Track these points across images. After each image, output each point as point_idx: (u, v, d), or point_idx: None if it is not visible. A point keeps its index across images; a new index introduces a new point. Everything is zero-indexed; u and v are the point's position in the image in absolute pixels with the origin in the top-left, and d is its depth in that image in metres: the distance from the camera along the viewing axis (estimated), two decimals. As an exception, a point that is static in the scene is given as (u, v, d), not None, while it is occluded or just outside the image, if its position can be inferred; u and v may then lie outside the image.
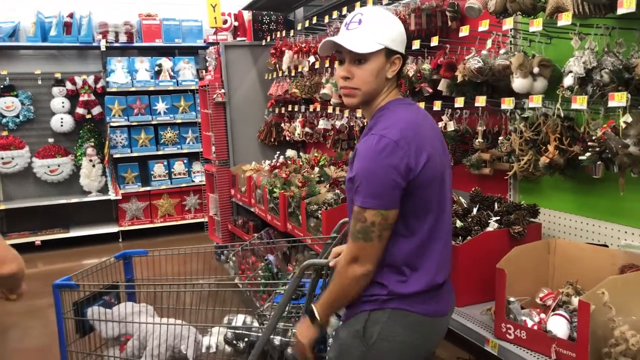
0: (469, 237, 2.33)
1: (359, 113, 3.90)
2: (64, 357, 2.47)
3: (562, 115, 2.27)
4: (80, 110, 6.98)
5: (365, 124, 4.00)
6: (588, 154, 2.06)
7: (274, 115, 5.54)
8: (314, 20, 4.31)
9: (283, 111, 5.30)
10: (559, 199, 2.57)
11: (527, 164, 2.39)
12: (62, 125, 6.97)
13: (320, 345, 2.51)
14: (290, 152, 5.41)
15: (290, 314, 2.43)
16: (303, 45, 4.52)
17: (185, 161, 7.44)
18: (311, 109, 4.62)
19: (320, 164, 4.47)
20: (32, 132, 6.97)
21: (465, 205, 2.68)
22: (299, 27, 4.70)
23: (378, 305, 1.63)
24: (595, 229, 2.38)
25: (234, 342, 2.59)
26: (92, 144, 7.08)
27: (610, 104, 1.92)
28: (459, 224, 2.43)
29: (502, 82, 2.51)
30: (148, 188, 7.24)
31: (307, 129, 4.77)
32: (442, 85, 2.86)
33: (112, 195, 6.98)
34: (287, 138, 5.26)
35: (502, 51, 2.51)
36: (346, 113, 4.17)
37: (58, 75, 6.93)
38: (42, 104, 6.98)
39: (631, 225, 2.21)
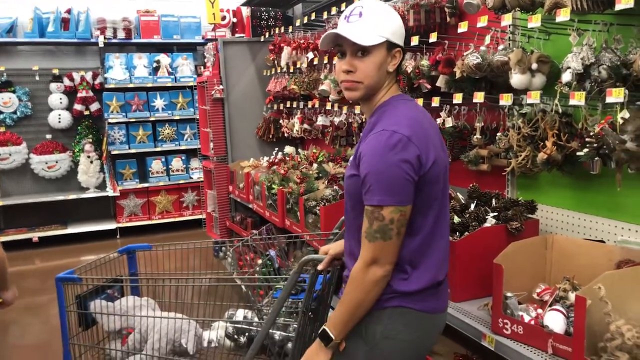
0: (466, 233, 2.34)
1: (357, 109, 3.90)
2: (66, 350, 2.47)
3: (560, 111, 2.27)
4: (78, 107, 6.98)
5: (363, 120, 4.01)
6: (586, 150, 2.07)
7: (272, 111, 5.54)
8: (313, 17, 4.32)
9: (281, 107, 5.30)
10: (556, 195, 2.58)
11: (525, 160, 2.40)
12: (59, 122, 6.97)
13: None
14: (288, 149, 5.42)
15: (290, 309, 2.44)
16: (302, 42, 4.52)
17: (183, 158, 7.44)
18: (310, 106, 4.62)
19: (318, 160, 4.47)
20: (30, 128, 6.96)
21: (463, 201, 2.69)
22: (298, 23, 4.70)
23: (379, 304, 1.61)
24: (593, 225, 2.39)
25: (235, 336, 2.60)
26: (90, 140, 7.08)
27: (608, 100, 1.93)
28: (456, 219, 2.44)
29: (501, 78, 2.51)
30: (146, 185, 7.25)
31: (305, 126, 4.77)
32: (440, 82, 2.87)
33: (110, 192, 6.98)
34: (286, 134, 5.27)
35: (500, 47, 2.52)
36: (345, 109, 4.18)
37: (56, 71, 6.93)
38: (40, 100, 6.98)
39: (628, 221, 2.23)
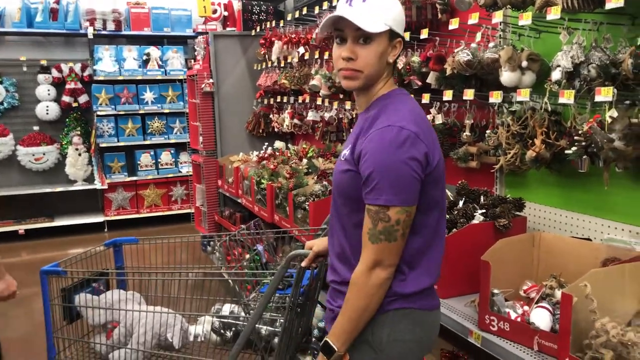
0: (454, 230, 2.34)
1: (348, 105, 3.90)
2: (50, 344, 2.45)
3: (549, 109, 2.28)
4: (66, 98, 6.91)
5: (354, 116, 4.00)
6: (574, 148, 2.08)
7: (262, 106, 5.52)
8: (304, 11, 4.30)
9: (272, 102, 5.28)
10: (544, 193, 2.59)
11: (514, 157, 2.40)
12: (47, 113, 6.90)
13: (307, 337, 2.51)
14: (278, 144, 5.40)
15: (277, 304, 2.43)
16: (293, 36, 4.50)
17: (172, 151, 7.40)
18: (300, 101, 4.61)
19: (308, 155, 4.46)
20: (17, 120, 6.89)
21: (452, 198, 2.69)
22: (289, 17, 4.69)
23: (381, 308, 1.53)
24: (580, 222, 2.40)
25: (221, 331, 2.58)
26: (79, 132, 7.02)
27: (597, 98, 1.94)
28: (445, 216, 2.44)
29: (491, 76, 2.52)
30: (134, 178, 7.20)
31: (295, 121, 4.76)
32: (431, 78, 2.87)
33: (98, 185, 6.93)
34: (276, 129, 5.25)
35: (491, 44, 2.52)
36: (335, 105, 4.17)
37: (44, 62, 6.85)
38: (27, 91, 6.90)
39: (614, 219, 2.24)
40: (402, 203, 1.45)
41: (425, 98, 2.92)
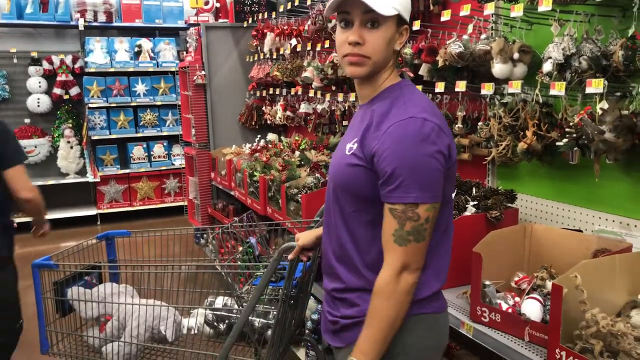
0: (447, 222, 2.35)
1: (340, 97, 3.89)
2: (43, 337, 2.45)
3: (540, 101, 2.29)
4: (57, 91, 6.86)
5: (347, 107, 3.99)
6: (565, 140, 2.08)
7: (255, 98, 5.50)
8: (297, 2, 4.27)
9: (264, 94, 5.27)
10: (536, 185, 2.61)
11: (506, 149, 2.41)
12: (38, 106, 6.86)
13: (300, 329, 2.52)
14: (271, 136, 5.39)
15: (270, 297, 2.44)
16: (285, 28, 4.48)
17: (165, 144, 7.38)
18: (292, 93, 4.60)
19: (301, 147, 4.46)
20: (8, 112, 6.83)
21: (444, 190, 2.70)
22: (281, 9, 4.66)
23: None
24: (571, 214, 2.41)
25: (215, 323, 2.59)
26: (70, 125, 6.98)
27: (588, 90, 1.94)
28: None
29: (483, 68, 2.52)
30: (127, 171, 7.18)
31: (288, 113, 4.75)
32: (423, 70, 2.86)
33: (90, 178, 6.90)
34: (268, 121, 5.24)
35: (483, 36, 2.52)
36: (327, 97, 4.16)
37: (34, 54, 6.80)
38: (18, 84, 6.85)
39: (605, 211, 2.25)
40: (432, 199, 1.36)
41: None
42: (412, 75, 2.97)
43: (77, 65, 6.91)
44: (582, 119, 2.00)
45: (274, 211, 3.69)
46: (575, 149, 2.08)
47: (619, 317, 1.70)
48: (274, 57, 4.77)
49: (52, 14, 6.67)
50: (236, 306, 2.52)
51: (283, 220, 3.46)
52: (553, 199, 2.51)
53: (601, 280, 1.73)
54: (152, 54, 7.19)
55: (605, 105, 1.95)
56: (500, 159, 2.46)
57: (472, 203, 2.44)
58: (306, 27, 4.11)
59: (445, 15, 2.66)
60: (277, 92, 4.93)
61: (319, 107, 4.30)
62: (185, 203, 6.37)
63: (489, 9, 2.39)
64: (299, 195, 3.33)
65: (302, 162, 3.99)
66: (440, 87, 2.73)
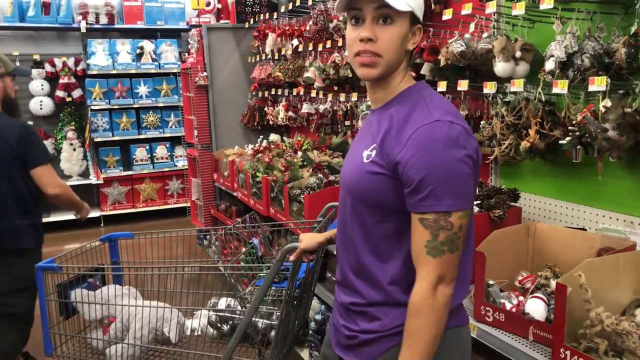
0: (450, 221, 2.34)
1: (342, 97, 3.88)
2: (47, 340, 2.45)
3: (543, 99, 2.28)
4: (60, 93, 6.87)
5: (349, 107, 3.99)
6: (568, 138, 2.07)
7: (257, 99, 5.50)
8: (298, 3, 4.27)
9: (266, 95, 5.26)
10: (539, 184, 2.60)
11: (508, 148, 2.40)
12: (41, 108, 6.87)
13: (304, 329, 2.52)
14: (273, 137, 5.39)
15: (273, 297, 2.44)
16: (287, 28, 4.48)
17: (167, 145, 7.38)
18: (294, 93, 4.59)
19: (303, 148, 4.45)
20: (11, 115, 6.84)
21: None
22: (283, 9, 4.66)
23: None
24: (574, 213, 2.40)
25: (218, 324, 2.59)
26: (73, 127, 6.99)
27: (591, 88, 1.94)
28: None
29: (485, 66, 2.51)
30: (130, 172, 7.18)
31: (290, 113, 4.75)
32: (425, 69, 2.86)
33: (93, 180, 6.91)
34: (271, 122, 5.23)
35: (484, 35, 2.51)
36: (329, 97, 4.16)
37: (37, 57, 6.81)
38: (21, 87, 6.80)
39: (609, 209, 2.24)
40: (465, 206, 1.30)
41: (420, 89, 2.91)
42: (413, 74, 2.97)
43: (79, 68, 6.92)
44: (585, 117, 1.99)
45: (276, 212, 3.69)
46: (578, 147, 2.07)
47: (624, 315, 1.69)
48: (276, 57, 4.77)
49: (54, 16, 6.68)
50: (239, 307, 2.52)
51: (286, 221, 3.45)
52: (556, 198, 2.50)
53: (605, 279, 1.72)
54: (154, 56, 7.20)
55: (608, 103, 1.94)
56: (503, 157, 2.45)
57: (475, 202, 2.43)
58: (308, 28, 4.11)
59: (447, 14, 2.65)
60: (279, 92, 4.93)
61: (321, 108, 4.29)
62: (188, 204, 6.38)
63: (491, 7, 2.38)
64: (302, 196, 3.33)
65: (305, 163, 3.99)
66: (442, 86, 2.72)
